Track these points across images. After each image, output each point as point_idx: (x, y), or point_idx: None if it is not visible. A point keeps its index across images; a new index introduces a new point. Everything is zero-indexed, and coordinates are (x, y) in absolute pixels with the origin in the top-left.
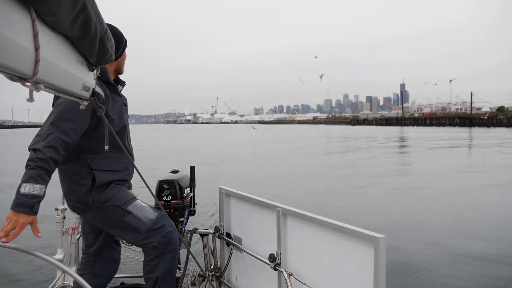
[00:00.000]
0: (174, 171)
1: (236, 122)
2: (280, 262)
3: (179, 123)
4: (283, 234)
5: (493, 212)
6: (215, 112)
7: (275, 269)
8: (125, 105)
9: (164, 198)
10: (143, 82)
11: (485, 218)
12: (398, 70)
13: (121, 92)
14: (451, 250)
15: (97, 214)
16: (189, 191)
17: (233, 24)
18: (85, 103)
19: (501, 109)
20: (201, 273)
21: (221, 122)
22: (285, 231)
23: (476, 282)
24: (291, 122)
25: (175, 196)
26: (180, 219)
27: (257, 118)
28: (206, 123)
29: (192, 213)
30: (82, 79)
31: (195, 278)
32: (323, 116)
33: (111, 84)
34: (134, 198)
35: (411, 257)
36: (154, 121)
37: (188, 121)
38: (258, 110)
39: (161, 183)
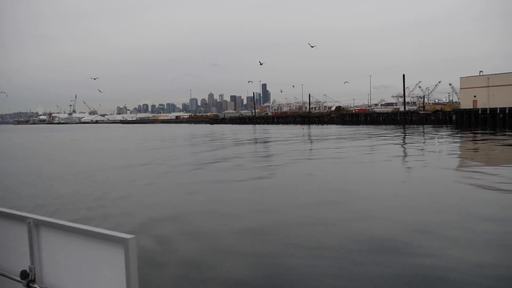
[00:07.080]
0: None
1: (97, 122)
2: (34, 278)
3: (31, 124)
4: (37, 247)
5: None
6: (74, 111)
7: (29, 287)
8: None
9: None
10: None
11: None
12: (261, 72)
13: None
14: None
15: None
16: None
17: (94, 18)
18: None
19: (338, 108)
20: None
21: (80, 122)
22: (39, 243)
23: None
24: (154, 121)
25: None
26: None
27: (119, 117)
28: (64, 123)
29: None
30: None
31: None
32: (186, 115)
33: None
34: None
35: (174, 250)
36: (1, 122)
37: (43, 121)
38: (121, 109)
39: None
